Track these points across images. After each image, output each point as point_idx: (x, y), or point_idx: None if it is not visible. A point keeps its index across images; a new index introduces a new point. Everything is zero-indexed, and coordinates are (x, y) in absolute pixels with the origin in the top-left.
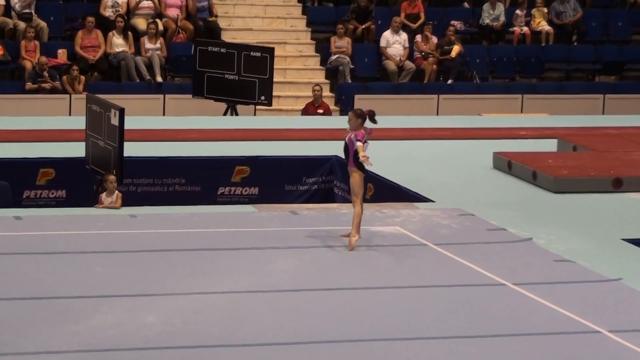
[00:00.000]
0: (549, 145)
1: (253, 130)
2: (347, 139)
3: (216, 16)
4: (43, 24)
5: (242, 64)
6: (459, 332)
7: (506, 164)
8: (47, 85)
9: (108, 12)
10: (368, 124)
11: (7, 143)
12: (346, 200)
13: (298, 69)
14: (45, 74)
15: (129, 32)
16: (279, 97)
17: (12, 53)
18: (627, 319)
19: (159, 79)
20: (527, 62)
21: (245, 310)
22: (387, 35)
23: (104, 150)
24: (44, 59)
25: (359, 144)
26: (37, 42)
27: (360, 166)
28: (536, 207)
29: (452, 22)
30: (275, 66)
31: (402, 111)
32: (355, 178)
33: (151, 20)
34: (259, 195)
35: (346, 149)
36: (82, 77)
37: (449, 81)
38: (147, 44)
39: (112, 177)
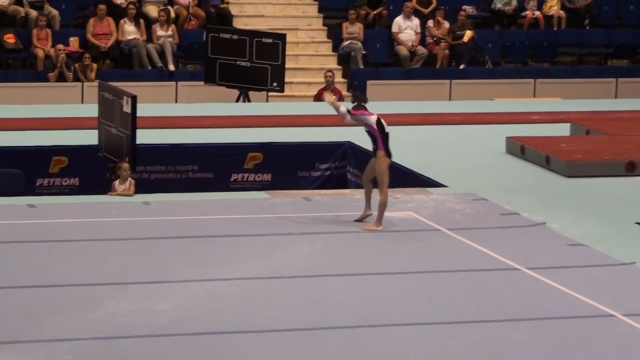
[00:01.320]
0: (562, 130)
1: (265, 117)
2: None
3: (227, 3)
4: (55, 12)
5: (254, 50)
6: (473, 316)
7: (519, 148)
8: (69, 76)
9: (119, 0)
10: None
11: (19, 131)
12: (359, 185)
13: (310, 55)
14: (63, 63)
15: (141, 20)
16: (291, 83)
17: (24, 42)
18: None
19: (171, 66)
20: (539, 47)
21: (258, 296)
22: (399, 20)
23: (117, 138)
24: (60, 46)
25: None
26: (48, 31)
27: (387, 153)
28: (549, 191)
29: (464, 6)
30: (287, 52)
31: (414, 96)
32: (381, 165)
33: (162, 8)
34: (272, 181)
35: (370, 136)
36: (94, 65)
37: (461, 66)
38: (159, 31)
39: (125, 165)
